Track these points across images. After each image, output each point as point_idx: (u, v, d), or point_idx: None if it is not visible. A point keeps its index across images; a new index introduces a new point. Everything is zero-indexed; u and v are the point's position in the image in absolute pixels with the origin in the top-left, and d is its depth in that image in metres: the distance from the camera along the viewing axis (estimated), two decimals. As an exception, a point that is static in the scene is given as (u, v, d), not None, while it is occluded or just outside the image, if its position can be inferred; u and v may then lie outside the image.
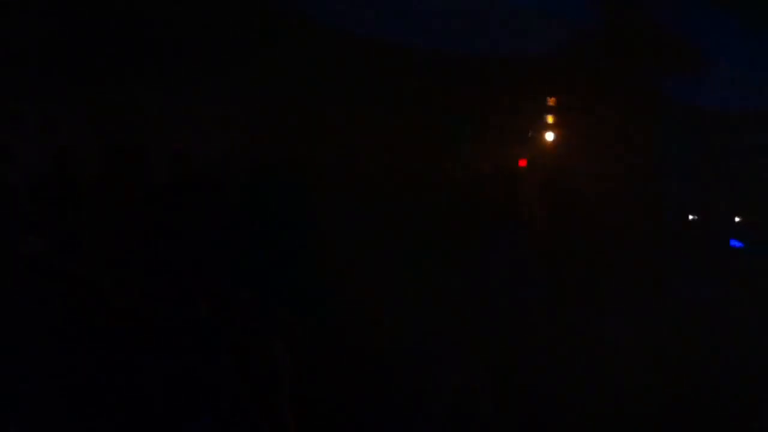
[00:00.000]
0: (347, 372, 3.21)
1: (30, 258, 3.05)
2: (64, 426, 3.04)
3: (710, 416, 3.35)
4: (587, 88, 3.45)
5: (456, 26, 3.35)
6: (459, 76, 3.38)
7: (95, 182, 3.14)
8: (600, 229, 3.48)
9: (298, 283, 3.22)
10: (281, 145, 3.25)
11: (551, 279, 3.42)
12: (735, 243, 3.44)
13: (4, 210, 3.07)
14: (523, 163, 3.57)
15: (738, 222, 3.57)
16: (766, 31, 3.53)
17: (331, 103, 3.28)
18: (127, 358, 3.10)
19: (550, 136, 4.78)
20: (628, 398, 3.32)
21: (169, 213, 3.16)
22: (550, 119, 4.64)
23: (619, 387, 3.34)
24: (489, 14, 3.37)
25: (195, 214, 3.19)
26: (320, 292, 3.23)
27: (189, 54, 3.15)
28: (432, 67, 3.36)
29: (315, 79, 3.27)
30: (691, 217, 3.57)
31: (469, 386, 3.27)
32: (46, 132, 3.10)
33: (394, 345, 3.24)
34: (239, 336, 3.16)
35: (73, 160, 3.11)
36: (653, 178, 3.55)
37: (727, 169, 3.64)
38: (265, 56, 3.24)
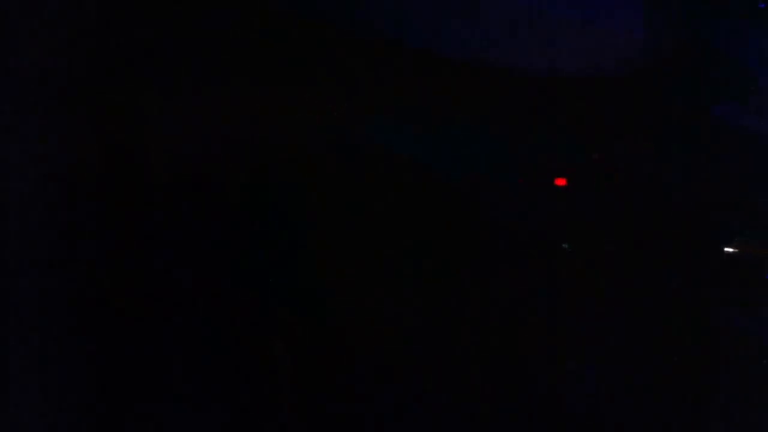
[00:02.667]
0: (347, 372, 3.22)
1: (32, 257, 3.06)
2: (60, 426, 3.06)
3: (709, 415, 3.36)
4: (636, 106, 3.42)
5: (495, 36, 3.34)
6: (494, 89, 3.36)
7: (95, 182, 3.15)
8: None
9: (298, 283, 3.22)
10: (281, 144, 3.25)
11: (552, 278, 3.43)
12: None
13: (5, 209, 3.07)
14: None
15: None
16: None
17: (332, 103, 3.28)
18: (125, 359, 3.11)
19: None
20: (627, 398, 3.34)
21: (168, 213, 3.17)
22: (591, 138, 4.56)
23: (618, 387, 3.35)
24: (532, 26, 3.35)
25: (195, 214, 3.19)
26: (320, 292, 3.24)
27: (189, 53, 3.15)
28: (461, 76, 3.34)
29: (316, 79, 3.26)
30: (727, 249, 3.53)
31: (469, 386, 3.28)
32: (46, 131, 3.11)
33: (394, 345, 3.25)
34: (239, 336, 3.18)
35: (72, 159, 3.12)
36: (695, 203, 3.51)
37: None
38: (265, 56, 3.24)
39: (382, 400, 3.23)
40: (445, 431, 3.29)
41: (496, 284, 3.32)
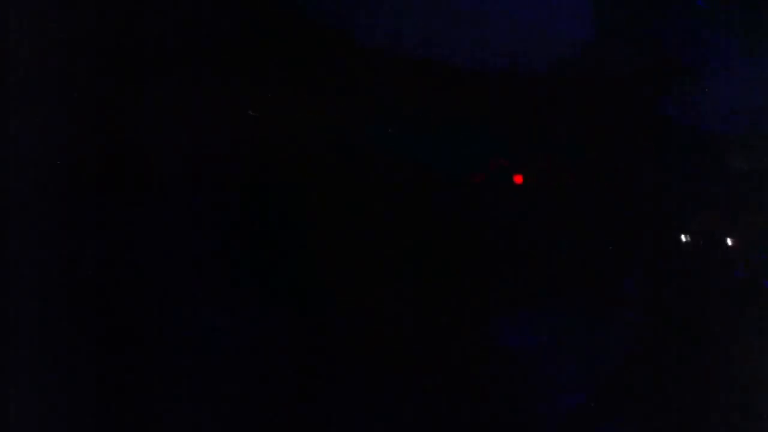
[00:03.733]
0: (347, 372, 3.23)
1: (31, 257, 3.06)
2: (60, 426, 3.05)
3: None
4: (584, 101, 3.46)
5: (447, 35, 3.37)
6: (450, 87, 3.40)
7: (95, 181, 3.15)
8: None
9: (298, 283, 3.23)
10: (281, 144, 3.26)
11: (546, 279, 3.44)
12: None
13: (6, 208, 3.07)
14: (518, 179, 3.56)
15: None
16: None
17: (331, 103, 3.29)
18: (126, 360, 3.11)
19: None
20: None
21: (169, 213, 3.17)
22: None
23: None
24: (479, 24, 3.38)
25: (195, 213, 3.20)
26: (320, 292, 3.25)
27: (189, 53, 3.16)
28: (424, 76, 3.37)
29: (315, 80, 3.28)
30: (683, 238, 3.58)
31: (468, 385, 3.29)
32: (46, 129, 3.10)
33: (394, 344, 3.26)
34: (240, 337, 3.18)
35: (73, 158, 3.11)
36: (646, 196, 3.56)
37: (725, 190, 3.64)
38: (265, 56, 3.25)
39: (381, 399, 3.24)
40: (441, 428, 3.30)
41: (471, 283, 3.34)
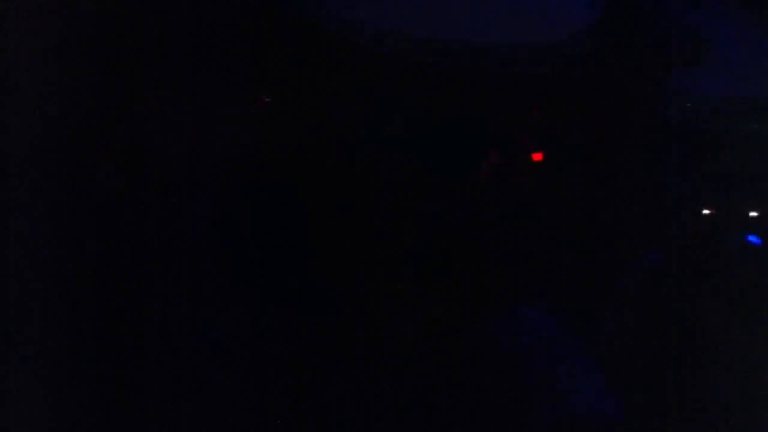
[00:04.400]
0: (347, 372, 3.23)
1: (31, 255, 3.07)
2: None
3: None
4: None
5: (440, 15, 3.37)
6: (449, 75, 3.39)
7: (95, 181, 3.15)
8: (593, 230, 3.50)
9: (297, 283, 3.24)
10: (282, 144, 3.26)
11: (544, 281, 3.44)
12: (753, 239, 3.45)
13: (6, 208, 3.07)
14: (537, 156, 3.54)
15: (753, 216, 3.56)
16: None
17: (331, 103, 3.29)
18: (128, 360, 3.12)
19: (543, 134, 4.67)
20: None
21: (169, 212, 3.18)
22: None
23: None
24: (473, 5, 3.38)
25: (195, 213, 3.20)
26: (320, 292, 3.25)
27: (190, 53, 3.16)
28: (424, 66, 3.37)
29: (315, 80, 3.28)
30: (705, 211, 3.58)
31: (467, 386, 3.30)
32: (45, 128, 3.11)
33: (393, 344, 3.26)
34: (240, 337, 3.19)
35: (73, 157, 3.12)
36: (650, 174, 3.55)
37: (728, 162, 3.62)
38: (266, 56, 3.25)
39: (382, 399, 3.25)
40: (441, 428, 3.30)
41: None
